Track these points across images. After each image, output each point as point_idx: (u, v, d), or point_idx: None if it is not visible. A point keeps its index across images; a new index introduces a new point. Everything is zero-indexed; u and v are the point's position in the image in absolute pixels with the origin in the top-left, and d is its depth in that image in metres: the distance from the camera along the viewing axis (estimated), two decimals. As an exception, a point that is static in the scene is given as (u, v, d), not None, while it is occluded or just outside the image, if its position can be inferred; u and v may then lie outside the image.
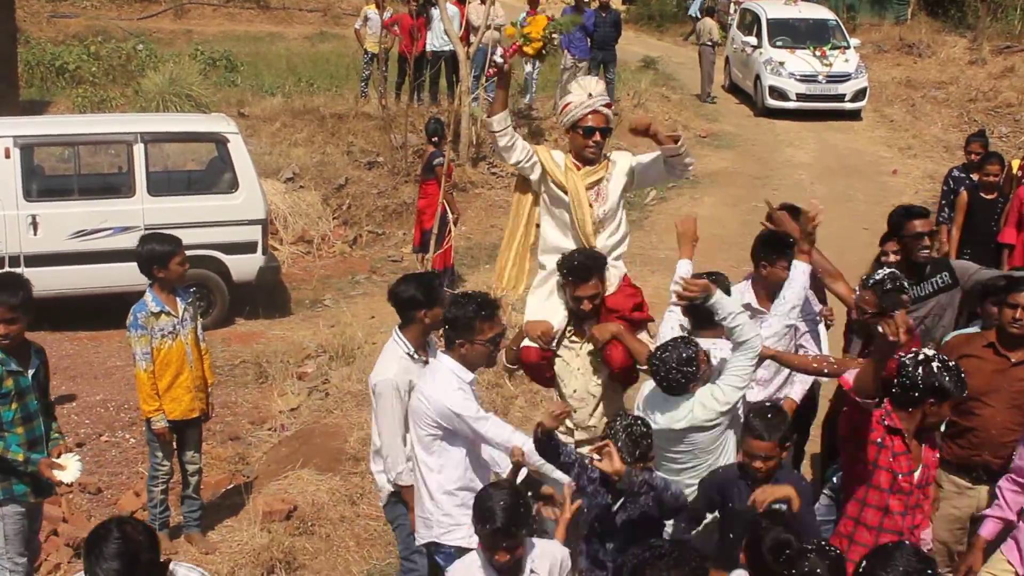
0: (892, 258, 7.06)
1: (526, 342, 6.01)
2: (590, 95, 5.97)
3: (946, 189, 11.17)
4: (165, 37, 28.56)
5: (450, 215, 11.97)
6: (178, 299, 7.11)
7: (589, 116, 5.95)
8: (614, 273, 6.09)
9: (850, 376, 5.21)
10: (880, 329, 4.77)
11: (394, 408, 5.65)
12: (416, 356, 5.76)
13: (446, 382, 5.25)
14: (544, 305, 6.08)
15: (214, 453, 8.82)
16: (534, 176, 6.07)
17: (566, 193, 5.97)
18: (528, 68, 19.99)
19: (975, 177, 10.56)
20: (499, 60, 6.13)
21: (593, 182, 6.02)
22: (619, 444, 4.94)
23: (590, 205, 5.99)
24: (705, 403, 5.35)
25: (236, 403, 9.96)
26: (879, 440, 5.01)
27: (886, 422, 5.02)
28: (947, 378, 4.87)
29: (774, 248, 6.52)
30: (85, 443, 8.97)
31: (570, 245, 6.01)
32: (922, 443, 5.15)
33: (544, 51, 6.70)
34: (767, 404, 5.50)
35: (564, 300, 5.97)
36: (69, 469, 5.75)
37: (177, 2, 34.25)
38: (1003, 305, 5.75)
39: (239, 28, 32.47)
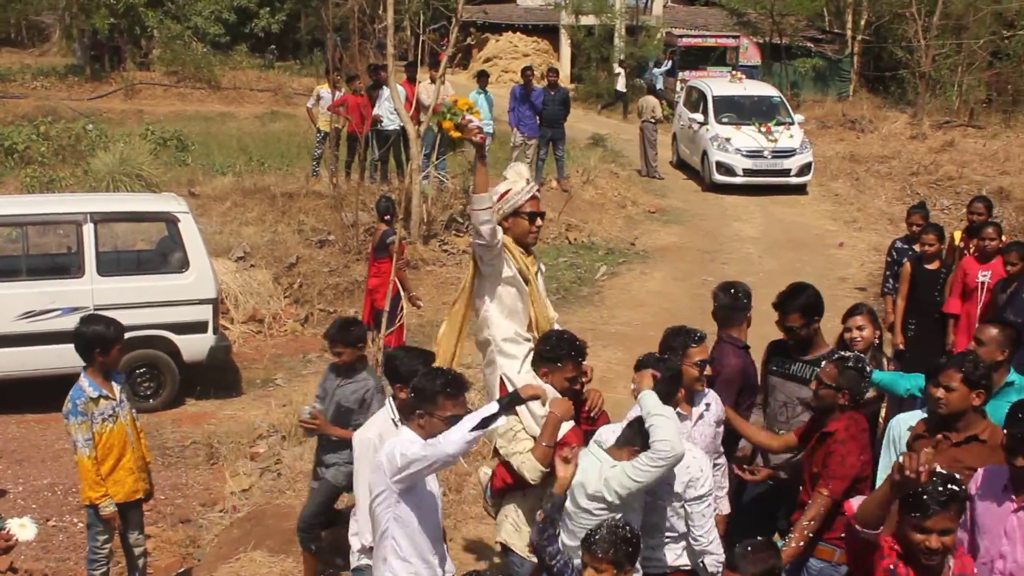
0: (857, 334, 7.14)
1: (566, 428, 5.73)
2: (528, 180, 6.07)
3: (890, 260, 11.38)
4: (115, 117, 28.60)
5: (403, 293, 11.97)
6: (113, 382, 7.08)
7: (530, 201, 6.05)
8: None
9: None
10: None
11: (366, 463, 5.68)
12: (400, 423, 5.76)
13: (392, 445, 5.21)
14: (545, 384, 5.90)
15: (164, 536, 8.70)
16: (495, 261, 5.95)
17: (526, 282, 6.02)
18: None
19: (917, 248, 10.77)
20: (476, 140, 6.09)
21: (535, 271, 6.17)
22: (597, 539, 4.84)
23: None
24: (610, 479, 5.24)
25: (187, 485, 9.85)
26: (891, 568, 4.64)
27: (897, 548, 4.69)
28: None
29: (671, 344, 6.15)
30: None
31: (524, 330, 6.07)
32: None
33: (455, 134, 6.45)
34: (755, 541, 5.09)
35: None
36: (27, 528, 5.69)
37: (127, 82, 34.35)
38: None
39: (190, 108, 32.59)
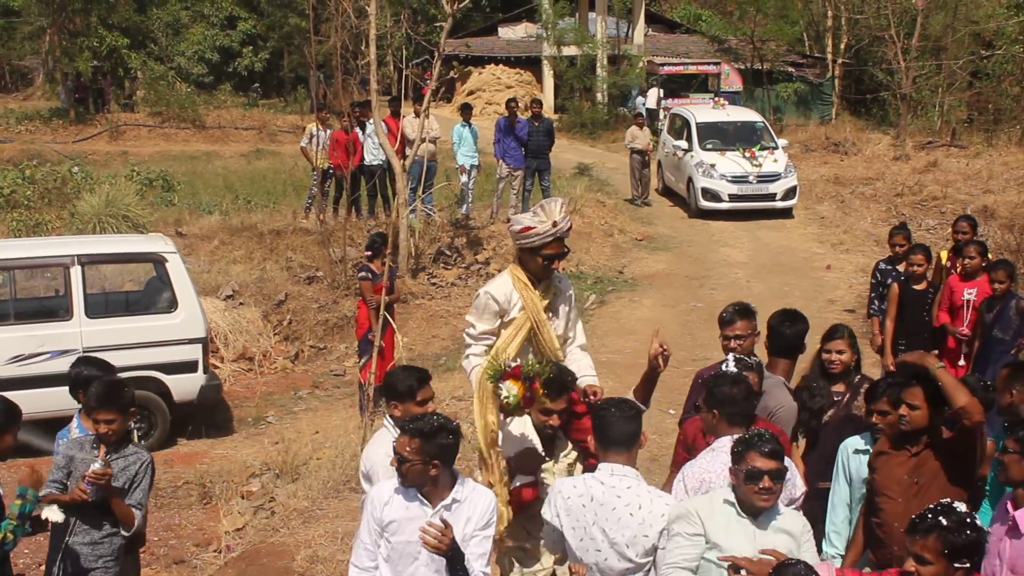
0: (836, 357, 7.12)
1: (520, 480, 5.76)
2: (555, 223, 5.99)
3: (874, 282, 11.40)
4: (101, 159, 28.67)
5: (371, 333, 11.85)
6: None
7: (552, 244, 6.03)
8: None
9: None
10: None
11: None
12: None
13: (392, 477, 5.17)
14: (524, 434, 5.95)
15: (158, 578, 8.67)
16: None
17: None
18: (464, 179, 20.26)
19: (901, 268, 10.82)
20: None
21: (547, 304, 6.16)
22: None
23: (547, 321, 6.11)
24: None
25: (180, 525, 9.80)
26: None
27: None
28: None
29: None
30: (24, 574, 8.76)
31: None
32: None
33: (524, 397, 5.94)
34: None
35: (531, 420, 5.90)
36: (55, 512, 5.73)
37: (112, 124, 34.45)
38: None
39: (175, 148, 32.69)
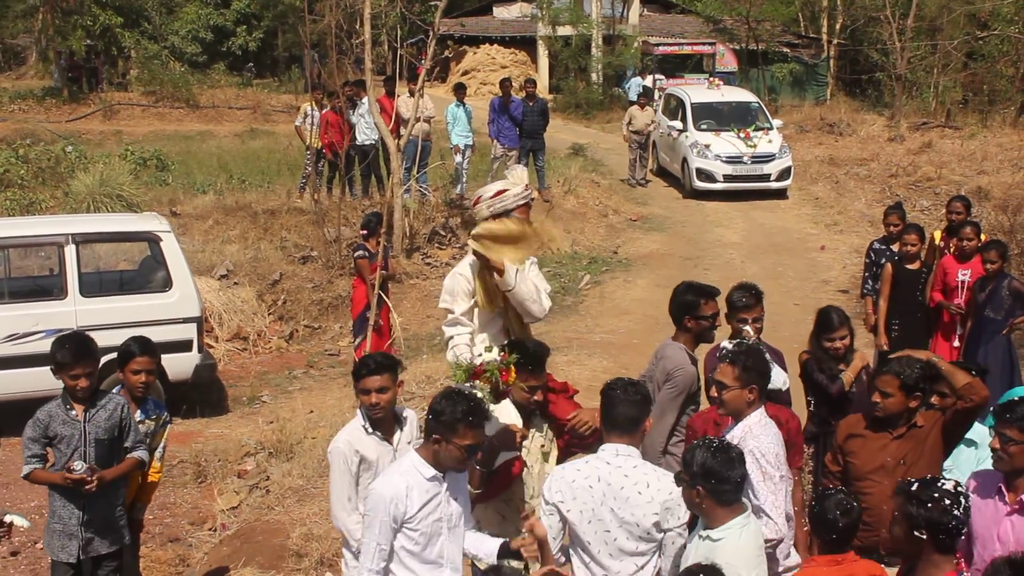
0: (838, 344, 7.14)
1: (505, 457, 5.68)
2: (526, 187, 6.13)
3: (868, 261, 11.43)
4: (94, 138, 28.59)
5: (368, 313, 11.89)
6: (139, 412, 6.87)
7: (521, 208, 6.13)
8: None
9: None
10: None
11: (339, 473, 5.71)
12: (370, 430, 5.75)
13: (396, 470, 5.17)
14: (504, 408, 5.89)
15: (153, 556, 8.66)
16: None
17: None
18: (458, 159, 20.25)
19: (895, 248, 10.84)
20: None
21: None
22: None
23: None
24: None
25: (175, 504, 9.82)
26: None
27: None
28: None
29: None
30: (20, 551, 8.78)
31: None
32: None
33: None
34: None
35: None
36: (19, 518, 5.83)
37: (105, 103, 34.33)
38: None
39: (169, 127, 32.61)
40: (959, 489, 4.72)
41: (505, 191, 6.12)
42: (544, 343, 6.06)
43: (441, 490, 5.12)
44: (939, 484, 4.71)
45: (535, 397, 5.78)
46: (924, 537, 4.64)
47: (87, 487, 6.16)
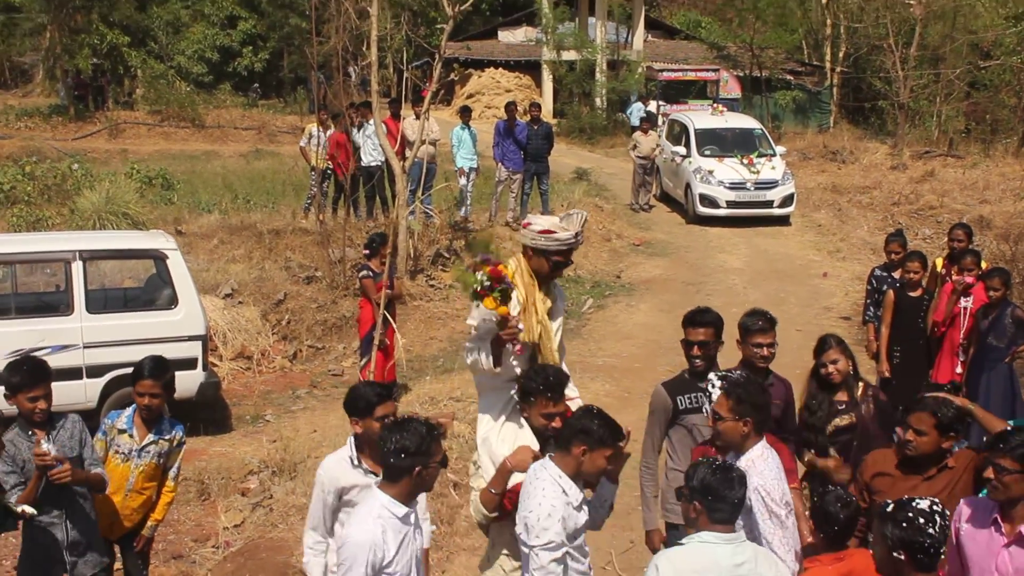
0: (832, 368, 7.15)
1: (517, 478, 5.55)
2: (575, 235, 6.03)
3: (870, 288, 11.49)
4: (100, 157, 28.72)
5: (374, 333, 11.94)
6: (152, 431, 6.91)
7: (564, 252, 6.07)
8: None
9: None
10: None
11: (316, 499, 5.81)
12: (356, 462, 5.77)
13: (369, 514, 5.02)
14: (520, 434, 5.85)
15: (157, 573, 8.68)
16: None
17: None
18: (463, 181, 20.34)
19: (897, 275, 10.90)
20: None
21: (548, 308, 6.15)
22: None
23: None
24: None
25: (178, 521, 9.84)
26: None
27: None
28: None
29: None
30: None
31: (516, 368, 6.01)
32: None
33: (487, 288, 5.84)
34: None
35: (527, 422, 5.83)
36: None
37: (111, 122, 34.50)
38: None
39: (174, 147, 32.75)
40: (934, 508, 4.76)
41: (553, 232, 6.00)
42: (564, 371, 6.02)
43: (410, 527, 5.08)
44: (914, 504, 4.76)
45: (553, 424, 5.65)
46: (903, 558, 4.69)
47: (54, 473, 6.01)
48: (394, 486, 4.99)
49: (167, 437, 7.02)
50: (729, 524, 4.84)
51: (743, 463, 5.43)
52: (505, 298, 5.79)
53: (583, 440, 5.08)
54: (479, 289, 5.72)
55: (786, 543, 5.29)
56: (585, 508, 5.20)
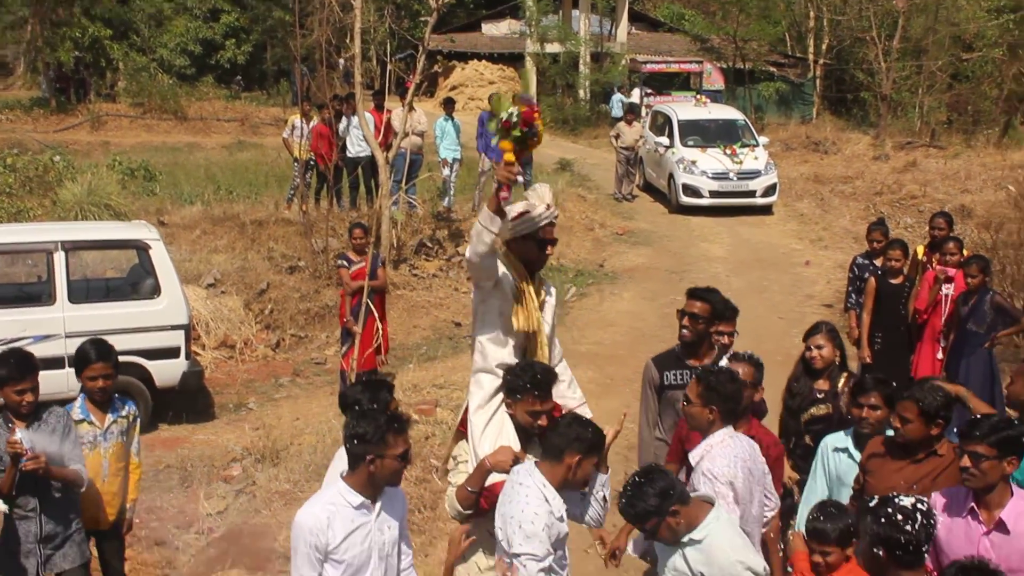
0: (816, 353, 7.20)
1: (495, 478, 5.46)
2: (548, 206, 5.81)
3: (852, 276, 11.56)
4: (82, 149, 28.57)
5: (355, 326, 11.87)
6: (110, 412, 6.89)
7: (546, 228, 5.81)
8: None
9: None
10: None
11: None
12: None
13: (319, 500, 5.09)
14: (504, 431, 5.66)
15: (140, 559, 8.69)
16: (490, 283, 5.72)
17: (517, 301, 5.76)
18: (446, 172, 20.35)
19: (878, 263, 10.97)
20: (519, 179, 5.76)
21: (540, 302, 5.92)
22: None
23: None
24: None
25: (161, 507, 9.83)
26: None
27: None
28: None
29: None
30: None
31: (509, 358, 5.80)
32: None
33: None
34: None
35: (511, 419, 5.65)
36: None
37: (93, 114, 34.31)
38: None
39: (156, 139, 32.62)
40: (917, 506, 4.77)
41: (526, 212, 5.76)
42: (552, 369, 5.79)
43: (370, 519, 5.05)
44: (895, 500, 4.78)
45: (539, 422, 5.53)
46: (881, 554, 4.72)
47: (26, 463, 5.98)
48: (352, 475, 5.02)
49: (123, 414, 7.01)
50: (704, 501, 5.07)
51: (702, 448, 5.53)
52: (523, 145, 5.61)
53: (578, 448, 5.05)
54: (505, 120, 5.50)
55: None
56: (566, 519, 5.17)
